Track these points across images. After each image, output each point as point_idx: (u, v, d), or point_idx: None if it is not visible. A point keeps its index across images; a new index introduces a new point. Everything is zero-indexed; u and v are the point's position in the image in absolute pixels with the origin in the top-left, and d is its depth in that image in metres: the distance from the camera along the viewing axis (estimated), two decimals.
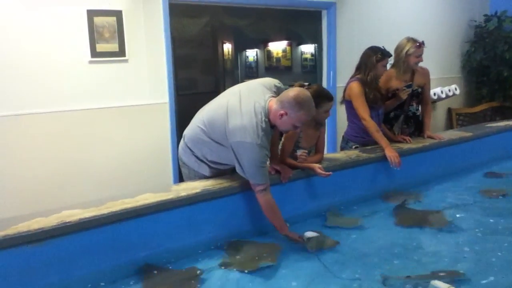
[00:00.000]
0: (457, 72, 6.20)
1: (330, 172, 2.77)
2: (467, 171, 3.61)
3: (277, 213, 2.40)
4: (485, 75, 6.09)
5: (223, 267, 2.16)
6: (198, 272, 2.09)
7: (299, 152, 2.85)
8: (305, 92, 2.35)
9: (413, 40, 3.44)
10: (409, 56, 3.43)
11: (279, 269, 2.14)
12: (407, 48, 3.44)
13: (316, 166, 2.77)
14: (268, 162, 2.73)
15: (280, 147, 2.85)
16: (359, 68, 3.32)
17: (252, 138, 2.23)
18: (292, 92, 2.31)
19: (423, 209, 2.84)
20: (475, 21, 6.14)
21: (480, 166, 3.71)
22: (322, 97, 2.81)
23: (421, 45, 3.42)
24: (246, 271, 2.12)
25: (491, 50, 5.92)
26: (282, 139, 2.85)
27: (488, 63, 5.97)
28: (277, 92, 2.46)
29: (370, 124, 3.19)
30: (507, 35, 5.83)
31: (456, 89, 5.81)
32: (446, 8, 5.86)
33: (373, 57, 3.21)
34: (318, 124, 2.93)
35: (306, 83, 2.87)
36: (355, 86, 3.23)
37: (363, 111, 3.20)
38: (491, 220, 2.69)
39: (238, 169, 2.36)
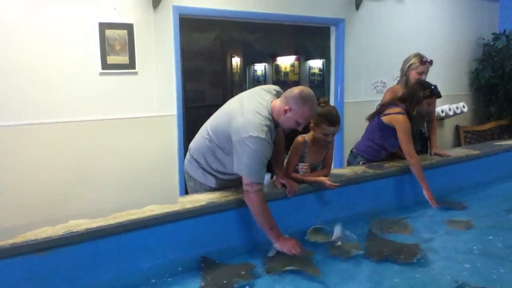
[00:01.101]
0: (465, 89, 6.20)
1: (338, 183, 2.79)
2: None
3: (271, 215, 2.35)
4: (493, 93, 6.08)
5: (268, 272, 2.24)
6: (251, 267, 2.23)
7: (300, 165, 2.85)
8: (309, 90, 2.38)
9: (420, 56, 3.43)
10: (411, 70, 3.44)
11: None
12: (411, 61, 3.46)
13: (325, 179, 2.78)
14: (273, 177, 2.75)
15: (285, 161, 2.86)
16: (404, 100, 3.20)
17: (257, 133, 2.24)
18: (297, 89, 2.36)
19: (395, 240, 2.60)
20: (484, 39, 6.15)
21: (488, 184, 3.69)
22: (322, 118, 2.71)
23: (426, 62, 3.40)
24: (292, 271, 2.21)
25: (499, 68, 5.92)
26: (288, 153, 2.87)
27: (497, 81, 5.97)
28: (277, 95, 2.50)
29: (418, 165, 3.09)
30: None
31: (464, 106, 5.80)
32: (454, 26, 5.89)
33: (420, 92, 3.12)
34: (323, 141, 2.86)
35: (322, 100, 2.80)
36: (404, 121, 3.11)
37: (411, 148, 3.09)
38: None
39: (236, 166, 2.32)
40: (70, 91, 3.48)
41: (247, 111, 2.32)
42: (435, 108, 3.74)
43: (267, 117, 2.33)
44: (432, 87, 3.15)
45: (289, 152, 2.87)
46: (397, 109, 3.19)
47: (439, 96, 3.17)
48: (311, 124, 2.80)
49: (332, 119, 2.72)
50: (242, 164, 2.29)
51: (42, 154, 3.42)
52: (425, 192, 3.07)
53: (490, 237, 2.67)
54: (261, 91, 2.51)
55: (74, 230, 2.02)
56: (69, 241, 2.00)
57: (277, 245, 2.34)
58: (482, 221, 2.91)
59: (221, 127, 2.42)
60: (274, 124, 2.39)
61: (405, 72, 3.50)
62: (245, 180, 2.31)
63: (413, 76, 3.44)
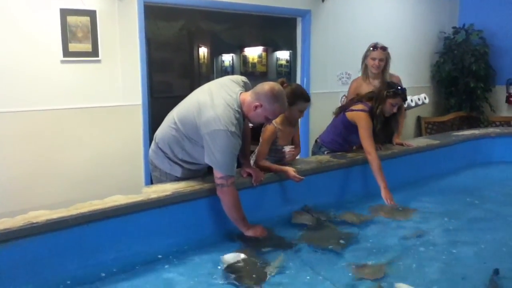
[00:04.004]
0: (426, 82, 6.37)
1: (303, 177, 2.80)
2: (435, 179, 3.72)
3: (242, 209, 2.41)
4: (454, 85, 6.27)
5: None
6: None
7: (288, 149, 2.94)
8: (279, 86, 2.43)
9: (374, 43, 3.63)
10: (366, 58, 3.64)
11: None
12: (367, 49, 3.66)
13: (290, 170, 2.80)
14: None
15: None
16: (371, 98, 3.26)
17: (227, 127, 2.25)
18: (267, 85, 2.38)
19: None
20: (445, 33, 6.33)
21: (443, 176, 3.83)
22: (298, 96, 2.89)
23: (377, 48, 3.57)
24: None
25: (459, 61, 6.10)
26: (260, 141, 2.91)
27: (457, 74, 6.15)
28: (245, 87, 2.53)
29: (376, 161, 3.06)
30: (474, 48, 6.03)
31: (425, 98, 5.93)
32: (417, 20, 6.03)
33: (385, 91, 3.17)
34: (291, 123, 3.02)
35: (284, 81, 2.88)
36: (366, 118, 3.16)
37: (370, 145, 3.10)
38: None
39: (207, 159, 2.33)
40: (30, 79, 3.36)
41: (217, 104, 2.32)
42: (403, 110, 3.82)
43: (236, 110, 2.34)
44: (398, 87, 3.20)
45: (260, 141, 2.91)
46: (361, 106, 3.25)
47: (403, 97, 3.20)
48: None
49: (306, 95, 2.96)
50: (215, 159, 2.29)
51: (2, 144, 3.30)
52: (382, 192, 2.98)
53: None
54: (229, 83, 2.50)
55: (34, 221, 1.97)
56: (29, 232, 1.94)
57: (249, 233, 2.43)
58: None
59: (189, 118, 2.40)
60: (242, 116, 2.40)
61: (363, 61, 3.72)
62: (219, 174, 2.31)
63: (369, 63, 3.65)
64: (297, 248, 2.41)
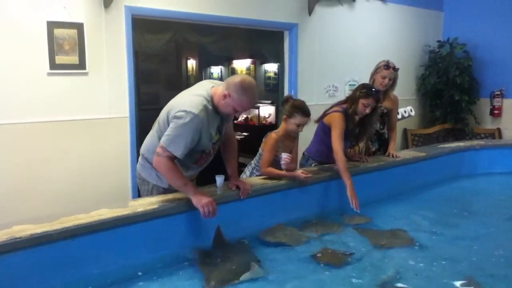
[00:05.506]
0: (412, 94, 6.46)
1: (310, 175, 2.93)
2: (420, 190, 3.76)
3: (181, 174, 2.40)
4: (439, 98, 6.36)
5: None
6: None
7: (285, 155, 2.96)
8: (251, 79, 2.46)
9: (387, 62, 3.66)
10: (376, 74, 3.66)
11: None
12: (378, 65, 3.68)
13: (299, 173, 2.92)
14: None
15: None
16: (347, 100, 3.32)
17: (190, 108, 2.28)
18: (239, 77, 2.43)
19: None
20: (430, 46, 6.44)
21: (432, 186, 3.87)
22: (297, 109, 2.97)
23: (389, 67, 3.61)
24: None
25: (444, 74, 6.20)
26: (263, 150, 3.01)
27: (441, 87, 6.25)
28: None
29: (342, 160, 3.09)
30: (458, 61, 6.14)
31: (411, 110, 5.99)
32: (403, 33, 6.12)
33: (358, 92, 3.22)
34: (291, 136, 3.10)
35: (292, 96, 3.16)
36: (339, 117, 3.20)
37: (339, 145, 3.13)
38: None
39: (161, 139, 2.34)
40: (17, 92, 3.33)
41: (188, 95, 2.42)
42: (395, 117, 3.91)
43: (205, 98, 2.38)
44: (373, 89, 3.26)
45: (264, 149, 3.00)
46: (335, 108, 3.33)
47: (376, 98, 3.23)
48: (284, 116, 3.01)
49: (306, 110, 3.00)
50: (166, 135, 2.32)
51: None
52: (348, 191, 2.97)
53: None
54: (205, 82, 2.59)
55: (18, 236, 1.94)
56: (13, 247, 1.91)
57: (194, 200, 2.38)
58: None
59: (163, 116, 2.45)
60: (214, 108, 2.42)
61: (372, 75, 3.74)
62: (160, 144, 2.32)
63: (377, 79, 3.66)
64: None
